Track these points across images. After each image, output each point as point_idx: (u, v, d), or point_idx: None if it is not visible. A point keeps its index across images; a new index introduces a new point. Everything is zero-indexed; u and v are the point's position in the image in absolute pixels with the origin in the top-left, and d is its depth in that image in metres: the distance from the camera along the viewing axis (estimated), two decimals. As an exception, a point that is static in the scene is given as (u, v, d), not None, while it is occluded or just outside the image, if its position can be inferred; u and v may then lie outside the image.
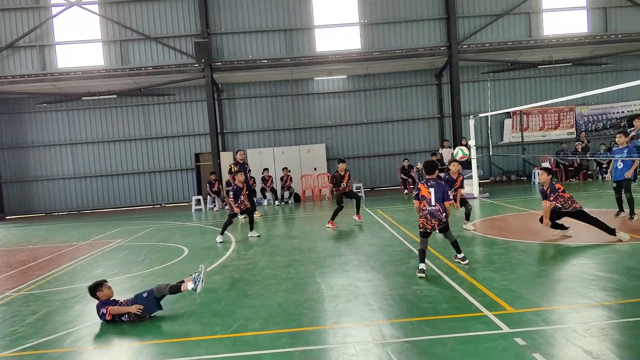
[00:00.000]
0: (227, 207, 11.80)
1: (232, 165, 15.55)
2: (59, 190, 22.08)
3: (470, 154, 16.05)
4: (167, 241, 11.79)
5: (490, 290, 6.04)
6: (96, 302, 5.99)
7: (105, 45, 20.60)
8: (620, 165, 10.28)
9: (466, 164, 18.04)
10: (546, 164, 20.37)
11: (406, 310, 5.56)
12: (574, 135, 22.09)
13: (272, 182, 19.38)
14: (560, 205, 8.70)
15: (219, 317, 5.79)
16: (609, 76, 22.27)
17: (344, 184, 12.09)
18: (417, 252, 8.22)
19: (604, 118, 22.57)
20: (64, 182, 22.07)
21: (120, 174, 22.08)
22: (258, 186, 18.95)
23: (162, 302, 6.07)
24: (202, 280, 6.12)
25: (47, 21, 20.30)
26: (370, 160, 22.37)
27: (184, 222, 15.49)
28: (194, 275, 6.17)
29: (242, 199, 11.33)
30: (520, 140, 22.16)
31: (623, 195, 10.29)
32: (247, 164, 15.88)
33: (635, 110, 22.10)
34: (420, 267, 6.94)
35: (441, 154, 20.25)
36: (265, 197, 19.27)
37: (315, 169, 20.93)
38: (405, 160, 20.17)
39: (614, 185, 10.49)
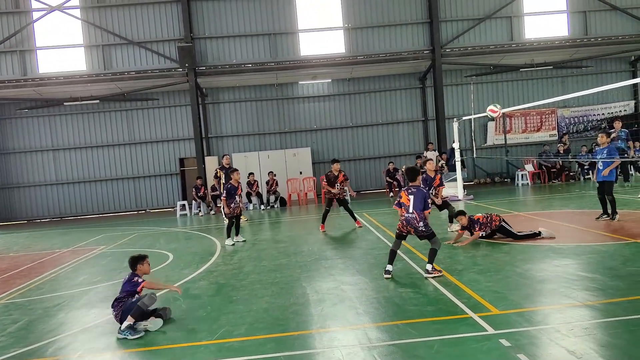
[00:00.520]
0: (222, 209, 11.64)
1: (218, 170, 15.49)
2: (41, 197, 21.76)
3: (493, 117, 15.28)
4: (151, 247, 11.68)
5: (475, 292, 6.08)
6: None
7: (87, 50, 20.39)
8: (600, 166, 10.28)
9: (451, 167, 18.22)
10: (528, 167, 20.60)
11: (392, 313, 5.58)
12: (556, 137, 22.37)
13: (257, 186, 19.31)
14: (484, 233, 9.07)
15: (204, 323, 5.75)
16: (589, 79, 22.62)
17: (339, 185, 11.95)
18: (402, 255, 8.28)
19: (585, 120, 22.91)
20: (46, 189, 21.76)
21: (103, 179, 21.84)
22: (243, 191, 18.85)
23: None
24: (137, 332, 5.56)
25: (27, 26, 20.04)
26: (356, 164, 22.42)
27: (168, 228, 15.36)
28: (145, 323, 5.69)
29: (237, 201, 11.18)
30: (504, 143, 22.39)
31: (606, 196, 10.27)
32: (232, 168, 15.80)
33: (616, 112, 22.47)
34: (386, 269, 7.07)
35: (425, 157, 20.37)
36: (250, 201, 19.20)
37: (301, 173, 20.92)
38: (391, 164, 20.25)
39: (597, 186, 10.48)
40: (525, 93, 22.60)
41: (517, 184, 19.98)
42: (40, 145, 21.64)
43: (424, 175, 10.16)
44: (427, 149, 20.90)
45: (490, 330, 4.82)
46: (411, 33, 21.10)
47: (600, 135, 10.52)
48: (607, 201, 10.16)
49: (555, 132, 22.64)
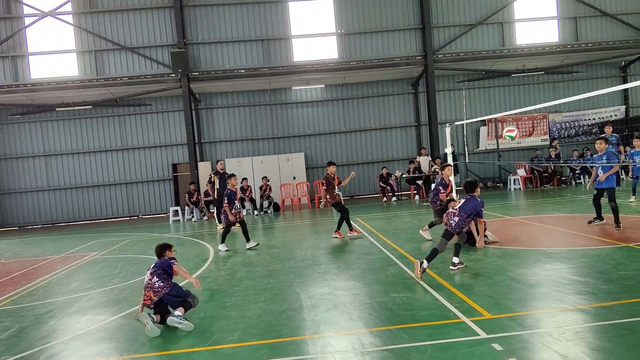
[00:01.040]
0: (222, 215, 11.50)
1: (212, 175, 15.47)
2: (32, 203, 21.62)
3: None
4: (144, 253, 11.63)
5: (468, 296, 6.10)
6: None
7: (79, 56, 20.34)
8: (600, 172, 9.98)
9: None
10: (520, 171, 20.73)
11: (385, 319, 5.58)
12: (548, 142, 22.53)
13: (251, 191, 19.30)
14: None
15: (197, 330, 5.73)
16: (580, 84, 22.83)
17: (337, 188, 11.80)
18: (395, 260, 8.32)
19: (576, 125, 23.09)
20: (38, 195, 21.62)
21: (96, 185, 21.74)
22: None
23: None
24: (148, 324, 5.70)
25: (19, 31, 19.97)
26: (349, 169, 22.43)
27: (161, 234, 15.30)
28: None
29: (237, 206, 11.11)
30: (496, 147, 22.52)
31: (604, 203, 9.98)
32: (227, 174, 15.78)
33: (606, 117, 22.68)
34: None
35: (419, 162, 20.48)
36: (244, 207, 19.17)
37: (294, 178, 20.93)
38: (384, 169, 20.30)
39: (595, 192, 10.21)
40: (517, 98, 22.76)
41: (510, 188, 20.09)
42: (32, 151, 21.52)
43: (440, 180, 10.16)
44: (420, 154, 21.01)
45: (483, 335, 4.84)
46: (404, 39, 21.22)
47: (598, 142, 10.26)
48: (610, 208, 9.78)
49: (547, 137, 22.80)
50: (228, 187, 11.23)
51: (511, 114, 21.27)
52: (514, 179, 20.26)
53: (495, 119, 21.94)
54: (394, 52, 21.08)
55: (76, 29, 20.24)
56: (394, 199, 19.54)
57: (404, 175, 20.13)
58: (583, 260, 7.51)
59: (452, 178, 10.39)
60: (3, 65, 20.00)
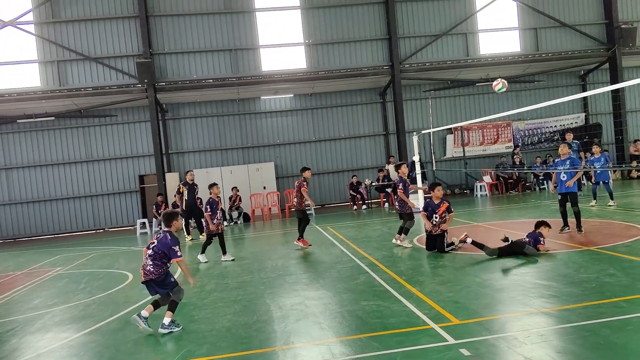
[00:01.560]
0: (204, 225, 11.41)
1: (181, 186, 15.30)
2: (-8, 218, 20.89)
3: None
4: (110, 267, 11.37)
5: (436, 302, 6.17)
6: None
7: (42, 66, 19.85)
8: (563, 177, 10.06)
9: (413, 180, 18.49)
10: (487, 178, 21.16)
11: (355, 327, 5.60)
12: (512, 149, 23.07)
13: (220, 202, 19.06)
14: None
15: (165, 344, 5.63)
16: (541, 92, 23.47)
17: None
18: (365, 268, 8.37)
19: (539, 132, 23.74)
20: (-1, 209, 20.92)
21: (59, 198, 21.15)
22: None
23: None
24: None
25: (-22, 41, 19.40)
26: (319, 178, 22.48)
27: (128, 247, 15.00)
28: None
29: (219, 217, 10.94)
30: (462, 155, 22.93)
31: (569, 208, 10.10)
32: (196, 185, 15.64)
33: (567, 124, 23.39)
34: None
35: (387, 170, 20.67)
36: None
37: (264, 188, 20.84)
38: (354, 177, 20.42)
39: (559, 197, 10.30)
40: (481, 107, 23.25)
41: (476, 195, 20.47)
42: (-8, 164, 20.84)
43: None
44: (388, 162, 21.21)
45: (451, 340, 4.90)
46: (371, 49, 21.48)
47: (562, 145, 10.41)
48: (572, 212, 9.91)
49: (511, 144, 23.36)
50: (210, 196, 11.12)
51: (476, 122, 21.74)
52: (480, 186, 20.66)
53: (461, 127, 22.36)
54: (362, 62, 21.30)
55: (38, 39, 19.77)
56: (364, 206, 19.66)
57: (373, 184, 20.29)
58: (547, 264, 7.70)
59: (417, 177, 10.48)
60: (-39, 76, 19.35)
